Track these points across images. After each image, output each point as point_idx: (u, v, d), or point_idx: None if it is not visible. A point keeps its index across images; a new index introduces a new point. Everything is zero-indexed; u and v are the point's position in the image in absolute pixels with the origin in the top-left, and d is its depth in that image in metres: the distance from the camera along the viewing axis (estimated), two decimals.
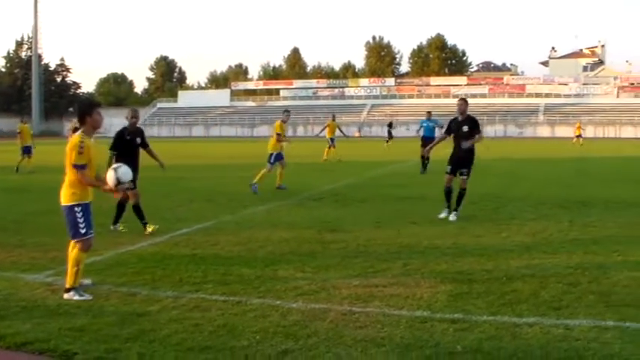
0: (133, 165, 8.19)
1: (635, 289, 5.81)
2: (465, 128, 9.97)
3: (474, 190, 14.25)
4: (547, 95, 78.82)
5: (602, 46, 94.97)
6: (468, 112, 10.15)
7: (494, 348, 4.35)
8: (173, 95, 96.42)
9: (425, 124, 20.19)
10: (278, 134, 14.62)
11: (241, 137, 73.98)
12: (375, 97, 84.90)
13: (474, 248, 7.68)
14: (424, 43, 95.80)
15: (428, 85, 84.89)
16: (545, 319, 4.92)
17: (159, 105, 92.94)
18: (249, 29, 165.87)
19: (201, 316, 5.00)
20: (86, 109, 5.76)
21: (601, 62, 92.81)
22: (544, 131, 70.32)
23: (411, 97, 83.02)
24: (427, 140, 18.30)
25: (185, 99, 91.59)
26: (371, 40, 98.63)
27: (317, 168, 22.03)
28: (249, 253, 7.51)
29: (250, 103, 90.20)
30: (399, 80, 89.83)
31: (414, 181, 17.13)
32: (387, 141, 38.55)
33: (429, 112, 20.71)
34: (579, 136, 43.85)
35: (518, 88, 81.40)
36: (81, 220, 5.50)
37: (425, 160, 18.94)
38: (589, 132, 58.17)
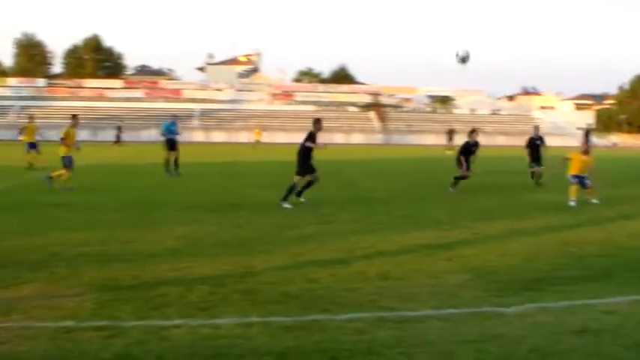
0: None
1: (278, 285, 6.65)
2: None
3: (124, 196, 14.17)
4: (203, 101, 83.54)
5: (258, 54, 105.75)
6: None
7: (141, 352, 4.62)
8: None
9: (169, 127, 21.08)
10: None
11: None
12: (24, 98, 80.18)
13: (123, 254, 7.96)
14: (79, 43, 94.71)
15: (82, 87, 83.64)
16: (193, 320, 5.36)
17: None
18: None
19: None
20: None
21: (256, 70, 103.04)
22: (199, 136, 74.10)
23: (64, 99, 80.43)
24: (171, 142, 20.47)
25: None
26: (21, 38, 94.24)
27: None
28: None
29: None
30: (50, 81, 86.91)
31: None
32: (117, 143, 41.45)
33: (174, 116, 22.57)
34: (258, 141, 48.56)
35: (175, 93, 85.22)
36: None
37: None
38: (243, 137, 63.89)
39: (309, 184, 13.42)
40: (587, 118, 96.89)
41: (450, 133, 44.38)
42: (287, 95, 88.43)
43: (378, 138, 79.11)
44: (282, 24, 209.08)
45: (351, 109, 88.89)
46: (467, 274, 7.27)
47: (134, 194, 14.81)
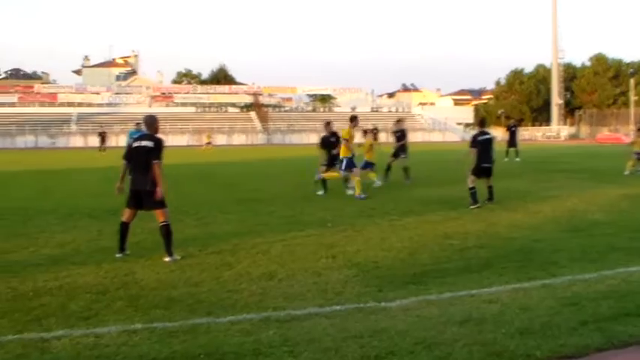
0: None
1: (161, 290, 6.90)
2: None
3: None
4: (80, 104, 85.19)
5: (136, 56, 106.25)
6: None
7: None
8: None
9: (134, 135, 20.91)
10: None
11: None
12: None
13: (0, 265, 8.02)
14: None
15: None
16: (75, 330, 5.49)
17: None
18: None
19: None
20: None
21: (134, 72, 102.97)
22: (77, 141, 74.19)
23: None
24: None
25: None
26: None
27: None
28: None
29: None
30: None
31: None
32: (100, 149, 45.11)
33: (137, 123, 22.68)
34: (209, 143, 54.16)
35: (50, 97, 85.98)
36: None
37: None
38: (122, 141, 62.91)
39: None
40: (466, 113, 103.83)
41: (369, 132, 48.13)
42: (166, 97, 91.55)
43: (259, 138, 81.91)
44: (159, 25, 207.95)
45: (232, 109, 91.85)
46: (351, 270, 7.79)
47: (10, 203, 14.93)
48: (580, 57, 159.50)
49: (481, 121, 15.10)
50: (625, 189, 17.10)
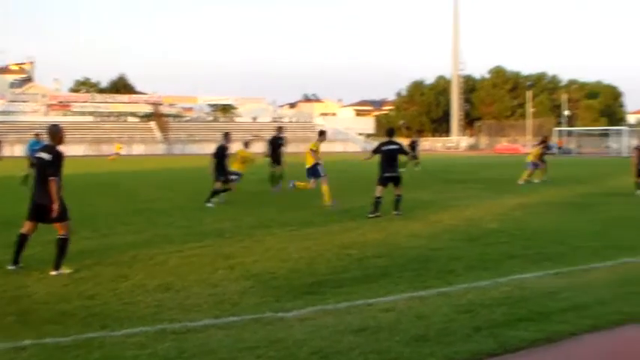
0: None
1: (54, 305, 6.74)
2: None
3: None
4: None
5: (32, 62, 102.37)
6: None
7: None
8: None
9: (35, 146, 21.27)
10: None
11: None
12: None
13: None
14: None
15: None
16: None
17: None
18: None
19: None
20: None
21: (30, 79, 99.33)
22: None
23: None
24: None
25: None
26: None
27: None
28: None
29: None
30: None
31: None
32: None
33: (37, 134, 23.60)
34: (117, 153, 54.39)
35: None
36: None
37: None
38: (17, 151, 60.76)
39: None
40: (367, 123, 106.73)
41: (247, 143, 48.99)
42: (63, 106, 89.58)
43: (159, 148, 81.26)
44: (55, 32, 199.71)
45: (132, 119, 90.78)
46: (248, 281, 7.86)
47: None
48: (479, 69, 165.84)
49: (388, 131, 15.27)
50: (520, 198, 17.94)
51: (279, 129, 21.46)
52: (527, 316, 6.27)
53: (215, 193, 16.66)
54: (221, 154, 16.98)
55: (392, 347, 5.43)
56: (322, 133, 17.43)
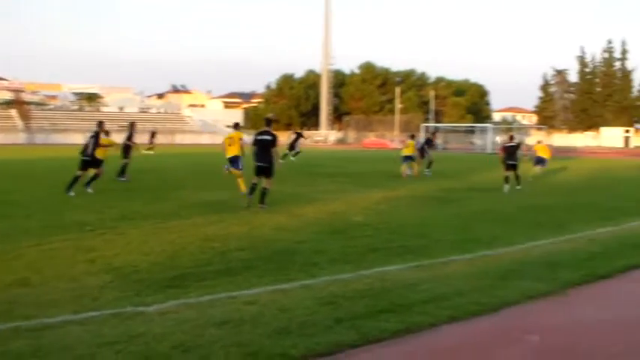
0: None
1: None
2: None
3: None
4: None
5: None
6: None
7: None
8: None
9: None
10: None
11: None
12: None
13: None
14: None
15: None
16: None
17: None
18: None
19: None
20: None
21: None
22: None
23: None
24: None
25: None
26: None
27: None
28: None
29: None
30: None
31: None
32: None
33: None
34: None
35: None
36: None
37: None
38: None
39: None
40: (236, 116, 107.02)
41: (153, 134, 50.32)
42: None
43: (20, 137, 77.39)
44: None
45: None
46: (109, 275, 7.74)
47: None
48: (349, 64, 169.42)
49: (266, 121, 15.09)
50: (385, 192, 18.50)
51: (132, 125, 21.78)
52: (388, 308, 6.51)
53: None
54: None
55: (254, 340, 5.51)
56: (237, 125, 18.70)
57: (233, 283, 7.48)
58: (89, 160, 16.97)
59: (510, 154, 20.61)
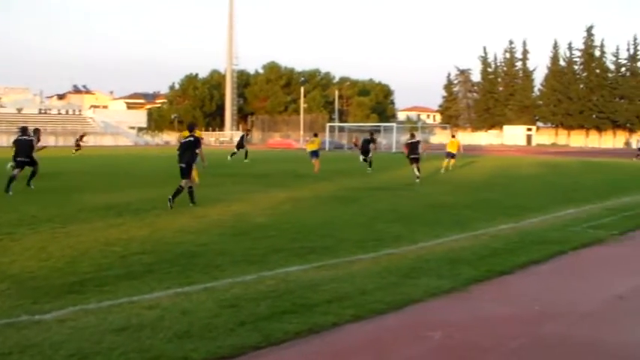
0: None
1: None
2: None
3: None
4: None
5: None
6: None
7: None
8: None
9: None
10: None
11: None
12: None
13: None
14: None
15: None
16: None
17: None
18: None
19: None
20: None
21: None
22: None
23: None
24: None
25: None
26: None
27: None
28: None
29: None
30: None
31: None
32: None
33: None
34: None
35: None
36: None
37: None
38: None
39: None
40: (140, 117, 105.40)
41: (81, 136, 50.39)
42: None
43: None
44: None
45: None
46: (4, 283, 7.48)
47: None
48: (254, 64, 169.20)
49: (189, 126, 16.13)
50: (290, 192, 18.58)
51: (37, 131, 21.40)
52: (291, 309, 6.52)
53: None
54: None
55: (154, 345, 5.44)
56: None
57: (134, 287, 7.35)
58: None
59: (412, 149, 24.16)
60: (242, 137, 39.63)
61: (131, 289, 7.23)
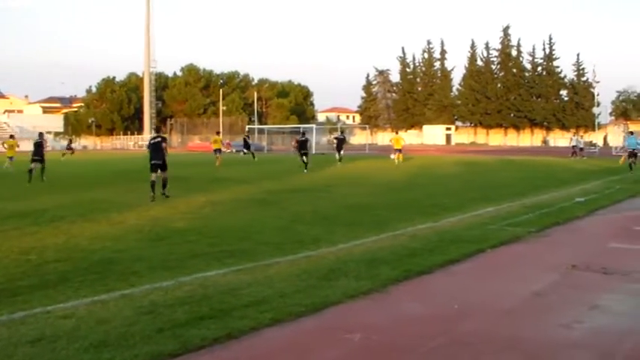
0: None
1: None
2: None
3: None
4: None
5: None
6: None
7: None
8: None
9: None
10: None
11: None
12: None
13: None
14: None
15: None
16: None
17: None
18: None
19: None
20: None
21: None
22: None
23: None
24: None
25: None
26: None
27: None
28: None
29: None
30: None
31: None
32: None
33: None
34: None
35: None
36: None
37: None
38: None
39: None
40: (56, 121, 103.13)
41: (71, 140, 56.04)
42: None
43: None
44: None
45: None
46: None
47: None
48: (172, 67, 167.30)
49: (156, 128, 18.09)
50: (209, 196, 18.46)
51: None
52: (208, 314, 6.49)
53: None
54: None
55: (70, 355, 5.34)
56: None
57: (49, 296, 7.19)
58: None
59: (301, 146, 31.68)
60: (245, 140, 47.59)
61: (46, 299, 7.06)
